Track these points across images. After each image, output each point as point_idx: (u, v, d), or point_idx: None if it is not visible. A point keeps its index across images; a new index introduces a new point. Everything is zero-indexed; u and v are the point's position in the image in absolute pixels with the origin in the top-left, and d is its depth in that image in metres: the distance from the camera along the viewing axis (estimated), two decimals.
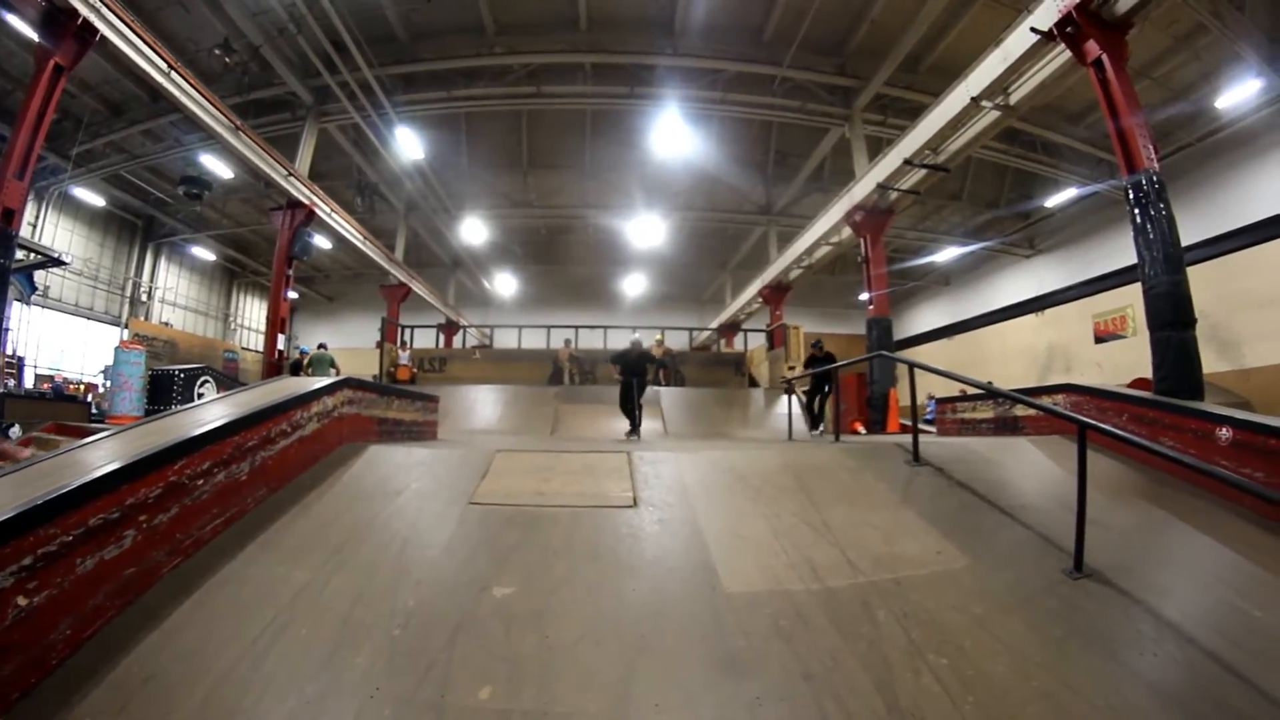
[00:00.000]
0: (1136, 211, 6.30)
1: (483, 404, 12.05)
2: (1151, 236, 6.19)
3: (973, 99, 9.32)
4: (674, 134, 14.97)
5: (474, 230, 20.94)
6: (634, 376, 9.13)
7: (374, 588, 2.76)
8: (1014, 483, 4.57)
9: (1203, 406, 5.19)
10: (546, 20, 13.46)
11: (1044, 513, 3.83)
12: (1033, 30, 7.75)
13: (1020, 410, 6.53)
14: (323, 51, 12.40)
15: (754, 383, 15.16)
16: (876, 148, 13.14)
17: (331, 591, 2.73)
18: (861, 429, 10.93)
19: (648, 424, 10.73)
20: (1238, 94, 11.30)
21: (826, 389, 9.85)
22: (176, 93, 9.98)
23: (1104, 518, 3.65)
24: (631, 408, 9.03)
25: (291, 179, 13.06)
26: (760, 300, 19.55)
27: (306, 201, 13.44)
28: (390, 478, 3.99)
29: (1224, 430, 4.80)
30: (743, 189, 19.72)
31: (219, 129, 11.02)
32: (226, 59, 12.75)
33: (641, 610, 2.69)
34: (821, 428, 9.76)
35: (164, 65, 9.60)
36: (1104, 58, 6.79)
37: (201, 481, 3.11)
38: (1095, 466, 3.64)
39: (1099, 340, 15.67)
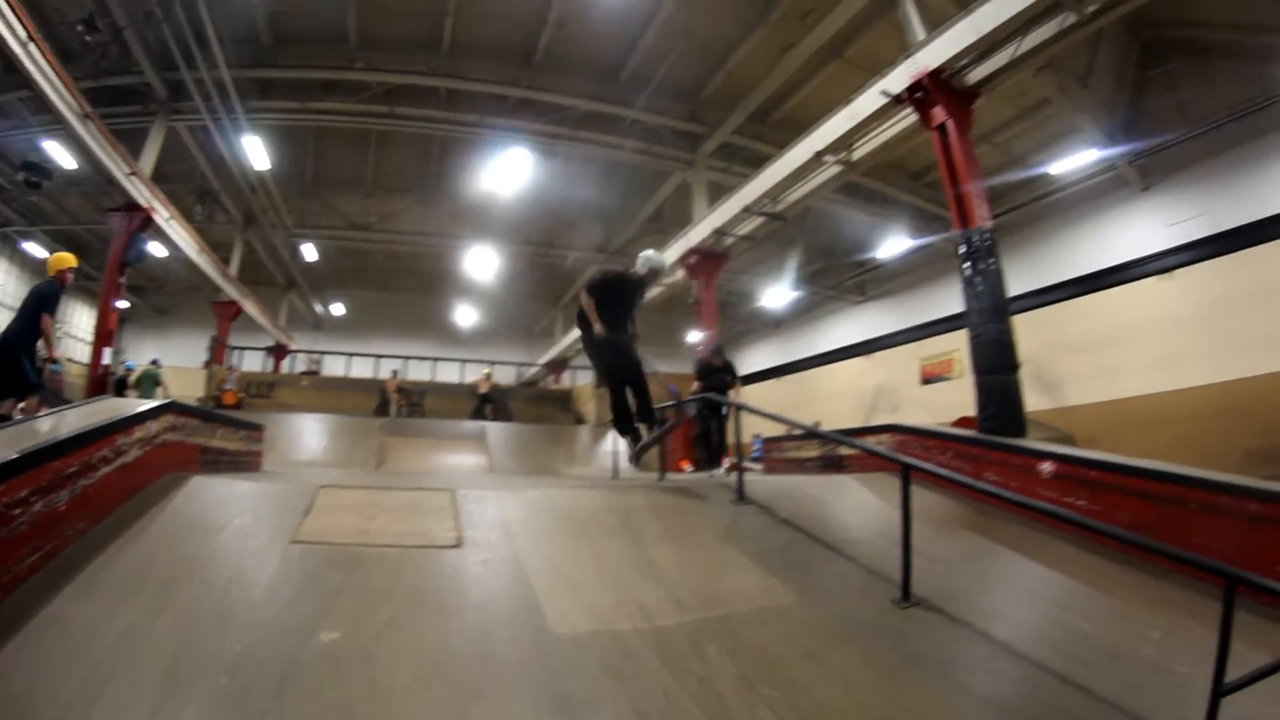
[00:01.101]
0: (967, 265, 6.81)
1: (309, 434, 11.67)
2: (980, 288, 6.68)
3: (817, 153, 9.92)
4: (519, 167, 15.04)
5: (310, 250, 20.18)
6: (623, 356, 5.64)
7: (199, 632, 2.55)
8: (840, 519, 4.80)
9: (1025, 443, 5.71)
10: (411, 39, 13.28)
11: (870, 546, 4.07)
12: (883, 93, 8.37)
13: (846, 449, 6.79)
14: (185, 43, 11.59)
15: (581, 420, 15.43)
16: (718, 193, 13.69)
17: (156, 636, 2.50)
18: (688, 467, 11.01)
19: (472, 460, 10.39)
20: (1072, 162, 12.59)
21: (725, 411, 8.75)
22: (31, 66, 9.00)
23: (931, 549, 3.91)
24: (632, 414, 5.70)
25: (133, 178, 12.05)
26: None
27: (145, 205, 12.42)
28: (212, 512, 3.71)
29: (1046, 464, 5.34)
30: (581, 226, 20.01)
31: (68, 114, 10.03)
32: (88, 37, 11.66)
33: (470, 654, 2.62)
34: (727, 464, 8.69)
35: (24, 34, 8.69)
36: (949, 123, 7.38)
37: (19, 511, 2.77)
38: (921, 501, 3.92)
39: (926, 382, 17.03)
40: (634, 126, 14.53)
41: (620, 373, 5.62)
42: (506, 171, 15.27)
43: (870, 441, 5.88)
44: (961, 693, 2.67)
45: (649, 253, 5.84)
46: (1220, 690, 2.27)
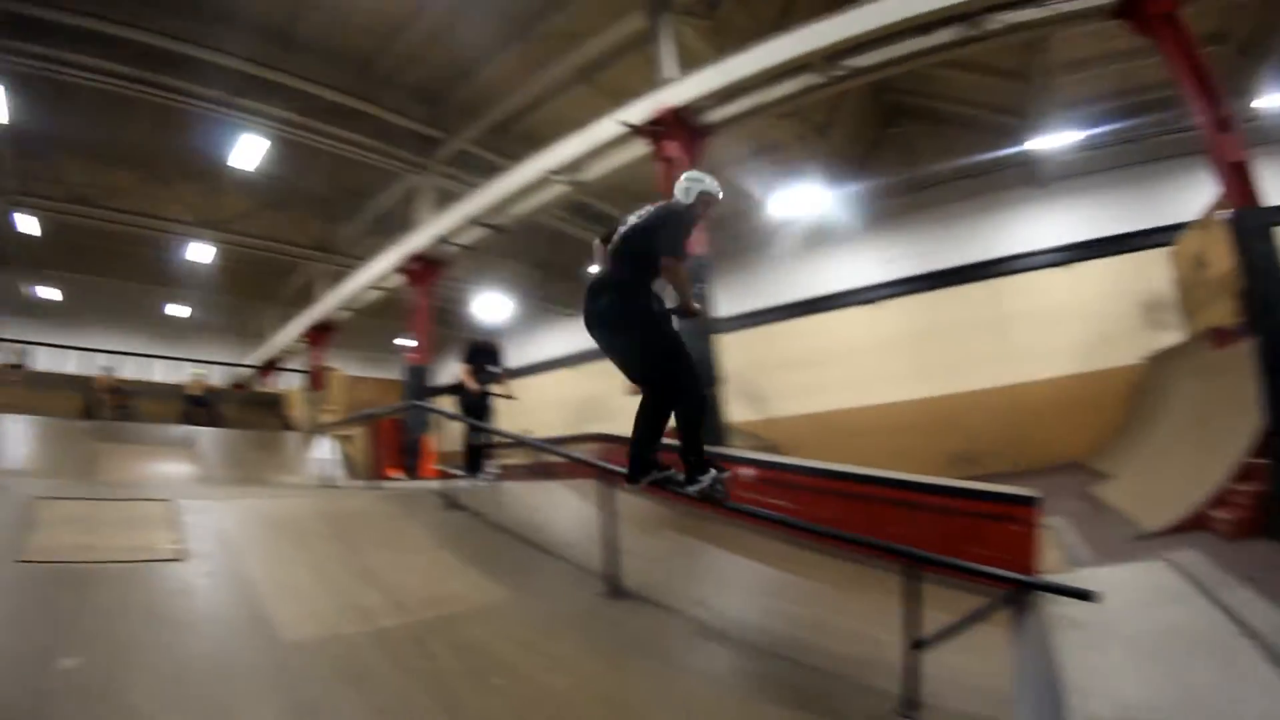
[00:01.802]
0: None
1: (14, 438, 10.08)
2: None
3: (549, 172, 10.35)
4: (253, 153, 13.78)
5: (30, 222, 16.65)
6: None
7: None
8: (550, 523, 5.15)
9: (725, 449, 6.55)
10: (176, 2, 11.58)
11: (580, 548, 4.48)
12: (623, 123, 8.85)
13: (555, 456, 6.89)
14: None
15: (290, 425, 14.99)
16: (447, 200, 13.75)
17: None
18: (398, 475, 10.84)
19: (185, 468, 9.52)
20: (800, 202, 14.05)
21: (489, 405, 7.36)
22: None
23: (639, 548, 4.39)
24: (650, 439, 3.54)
25: None
26: (304, 340, 18.69)
27: None
28: None
29: (745, 468, 6.14)
30: (303, 221, 18.86)
31: None
32: None
33: (211, 669, 2.63)
34: (488, 468, 7.28)
35: None
36: (681, 157, 8.05)
37: None
38: (629, 505, 4.35)
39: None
40: (373, 123, 13.81)
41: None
42: (240, 157, 13.74)
43: (578, 450, 6.23)
44: (679, 670, 3.10)
45: (694, 173, 3.84)
46: (913, 646, 2.80)
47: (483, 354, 7.42)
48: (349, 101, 13.31)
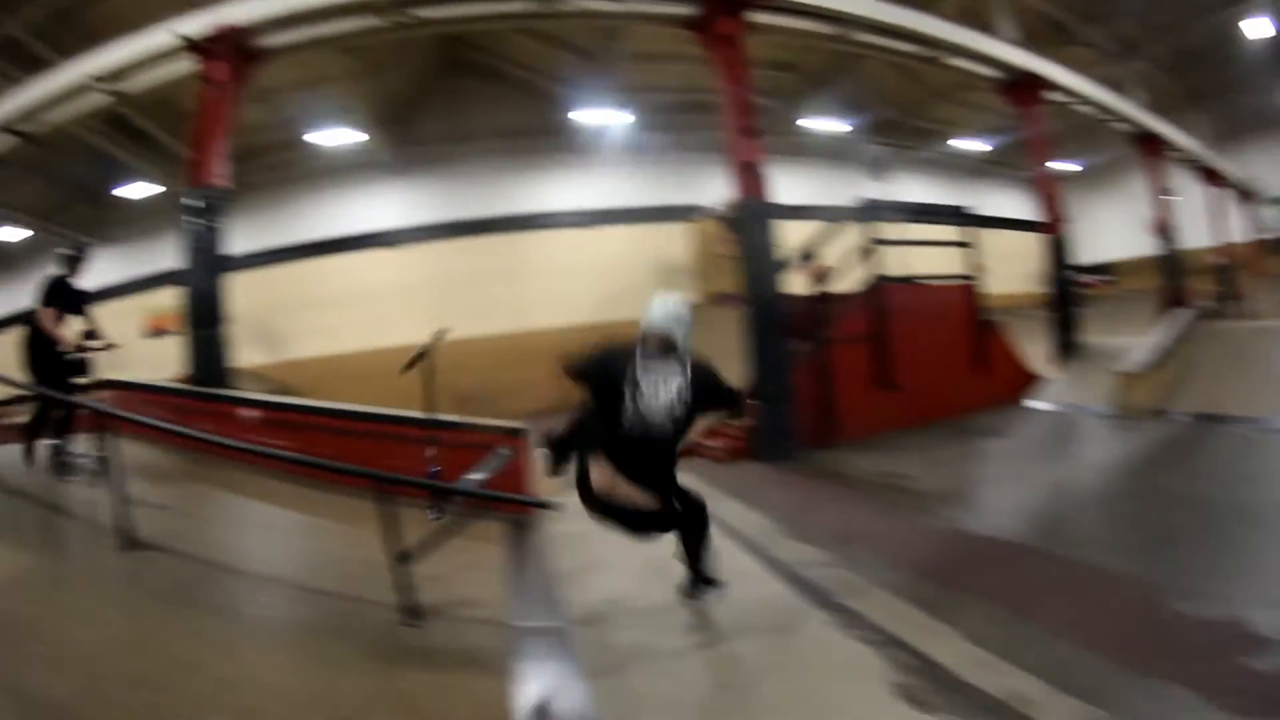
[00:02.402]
0: (190, 220, 6.83)
1: None
2: (200, 245, 6.74)
3: (93, 77, 8.15)
4: None
5: None
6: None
7: None
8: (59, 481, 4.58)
9: (230, 393, 6.22)
10: None
11: (90, 504, 3.96)
12: (180, 36, 7.38)
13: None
14: None
15: None
16: None
17: None
18: None
19: None
20: (341, 136, 13.37)
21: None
22: None
23: (153, 499, 4.06)
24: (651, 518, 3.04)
25: None
26: None
27: None
28: None
29: (252, 411, 6.02)
30: None
31: None
32: None
33: None
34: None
35: None
36: (229, 80, 7.14)
37: None
38: (140, 456, 4.04)
39: (154, 335, 15.72)
40: None
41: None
42: None
43: (91, 398, 5.10)
44: (208, 614, 3.03)
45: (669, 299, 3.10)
46: (398, 559, 3.00)
47: (66, 293, 5.05)
48: None
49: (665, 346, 2.95)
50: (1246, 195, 18.58)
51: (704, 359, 3.06)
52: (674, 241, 13.48)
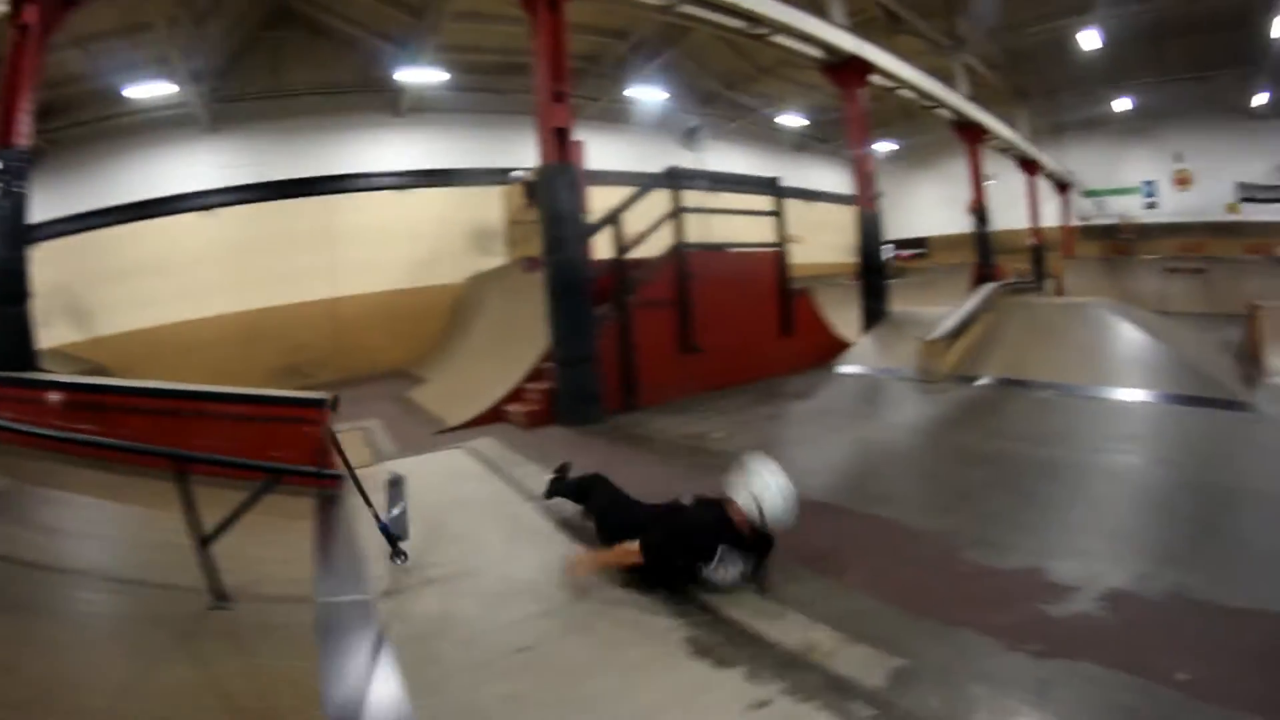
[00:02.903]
0: None
1: None
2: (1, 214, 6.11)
3: None
4: None
5: None
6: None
7: None
8: None
9: (32, 376, 5.84)
10: None
11: None
12: None
13: None
14: None
15: None
16: None
17: None
18: None
19: None
20: (153, 90, 12.04)
21: None
22: None
23: None
24: None
25: None
26: None
27: None
28: None
29: (56, 394, 5.73)
30: None
31: None
32: None
33: None
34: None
35: None
36: (34, 25, 6.30)
37: None
38: None
39: None
40: None
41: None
42: None
43: None
44: (15, 613, 2.83)
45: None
46: (201, 543, 2.95)
47: None
48: None
49: (758, 537, 2.95)
50: (1064, 186, 20.76)
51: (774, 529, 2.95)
52: (490, 205, 13.45)
